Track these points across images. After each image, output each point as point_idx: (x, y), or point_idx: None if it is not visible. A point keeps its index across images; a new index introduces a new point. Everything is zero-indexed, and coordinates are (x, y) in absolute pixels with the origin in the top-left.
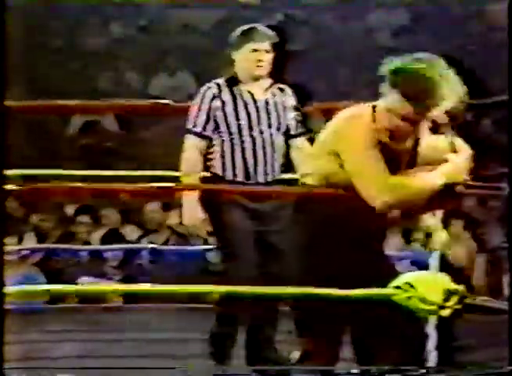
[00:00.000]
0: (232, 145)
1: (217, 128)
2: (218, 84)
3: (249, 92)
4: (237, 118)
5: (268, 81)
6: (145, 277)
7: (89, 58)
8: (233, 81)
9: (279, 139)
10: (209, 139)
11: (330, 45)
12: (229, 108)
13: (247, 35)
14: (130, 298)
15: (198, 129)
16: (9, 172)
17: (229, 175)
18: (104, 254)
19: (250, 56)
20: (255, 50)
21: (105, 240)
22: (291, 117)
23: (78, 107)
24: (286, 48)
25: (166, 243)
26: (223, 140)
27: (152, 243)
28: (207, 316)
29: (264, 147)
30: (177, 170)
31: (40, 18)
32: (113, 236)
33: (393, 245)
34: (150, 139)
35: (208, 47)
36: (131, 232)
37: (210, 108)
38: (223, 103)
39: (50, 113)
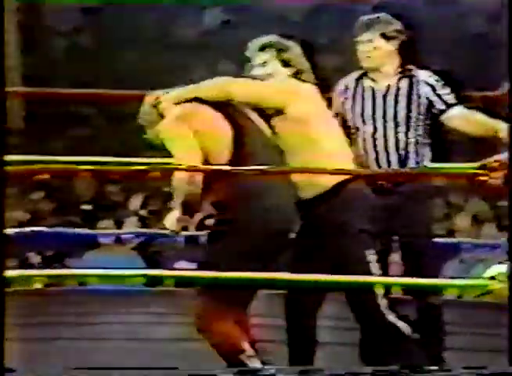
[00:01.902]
0: (361, 137)
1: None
2: (351, 76)
3: (372, 82)
4: (357, 109)
5: (391, 71)
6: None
7: (183, 49)
8: (363, 72)
9: (399, 130)
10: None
11: (422, 30)
12: (352, 99)
13: (359, 26)
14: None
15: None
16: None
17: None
18: (199, 240)
19: (360, 48)
20: (362, 41)
21: (201, 225)
22: (431, 94)
23: None
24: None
25: None
26: (349, 132)
27: None
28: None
29: (384, 138)
30: None
31: (135, 9)
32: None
33: (488, 234)
34: None
35: (299, 37)
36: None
37: (340, 99)
38: (350, 94)
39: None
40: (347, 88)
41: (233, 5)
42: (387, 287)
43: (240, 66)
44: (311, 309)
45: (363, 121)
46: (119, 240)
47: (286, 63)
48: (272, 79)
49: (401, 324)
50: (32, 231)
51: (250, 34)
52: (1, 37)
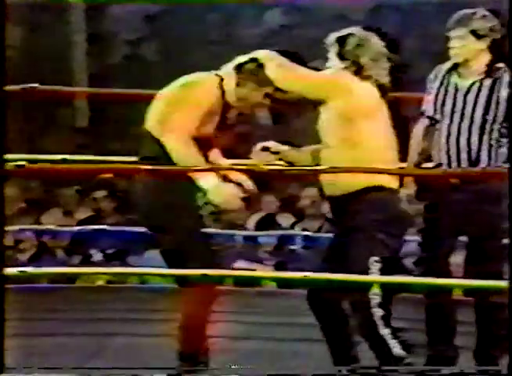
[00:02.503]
0: (438, 130)
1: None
2: (444, 66)
3: (458, 78)
4: (438, 102)
5: (479, 69)
6: (298, 263)
7: (245, 49)
8: (454, 65)
9: (473, 130)
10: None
11: None
12: (437, 90)
13: (452, 21)
14: (283, 282)
15: (425, 113)
16: None
17: (436, 160)
18: (259, 240)
19: (450, 43)
20: (453, 37)
21: (260, 225)
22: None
23: None
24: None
25: (319, 230)
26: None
27: (305, 230)
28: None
29: (457, 135)
30: None
31: (199, 10)
32: (268, 221)
33: None
34: (301, 129)
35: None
36: (285, 218)
37: (430, 92)
38: (436, 85)
39: None
40: (436, 77)
41: (294, 5)
42: (387, 297)
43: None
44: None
45: (442, 115)
46: None
47: (342, 57)
48: (323, 71)
49: (391, 342)
50: (94, 229)
51: (311, 33)
52: (2, 37)
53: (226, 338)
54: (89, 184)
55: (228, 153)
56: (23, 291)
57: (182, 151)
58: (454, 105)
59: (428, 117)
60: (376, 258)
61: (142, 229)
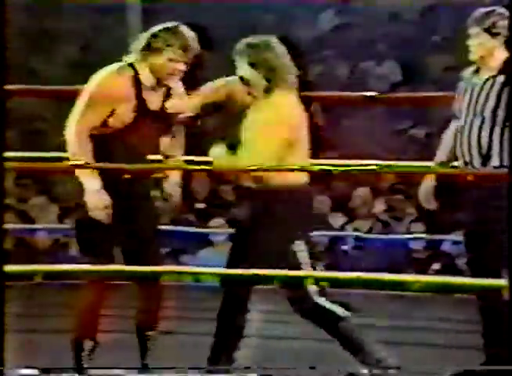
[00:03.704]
0: (456, 129)
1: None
2: (467, 71)
3: (475, 76)
4: (459, 101)
5: (494, 66)
6: (348, 263)
7: (299, 50)
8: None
9: (484, 128)
10: None
11: None
12: (462, 91)
13: (470, 19)
14: (333, 282)
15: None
16: None
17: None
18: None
19: (468, 42)
20: (470, 35)
21: None
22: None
23: None
24: None
25: (370, 230)
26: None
27: (356, 230)
28: (410, 303)
29: (469, 133)
30: (378, 160)
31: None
32: (320, 221)
33: None
34: (352, 128)
35: (414, 35)
36: (336, 219)
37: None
38: (461, 87)
39: None
40: (463, 78)
41: (347, 7)
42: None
43: (356, 66)
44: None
45: (460, 114)
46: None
47: (253, 65)
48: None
49: (330, 305)
50: None
51: (364, 34)
52: (2, 37)
53: (272, 338)
54: None
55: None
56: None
57: (72, 146)
58: (469, 102)
59: (456, 118)
60: (300, 242)
61: (196, 230)
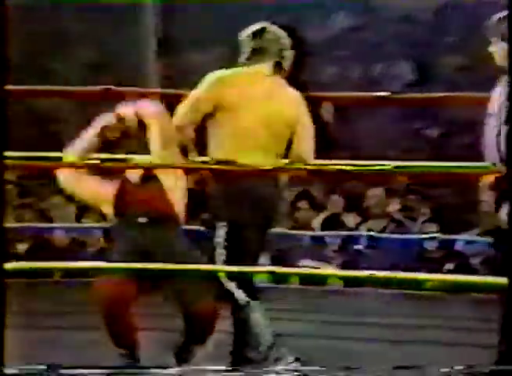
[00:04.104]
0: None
1: None
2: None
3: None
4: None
5: None
6: (363, 263)
7: (311, 50)
8: None
9: (502, 130)
10: None
11: None
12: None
13: (487, 26)
14: (350, 282)
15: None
16: None
17: None
18: (324, 239)
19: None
20: (490, 42)
21: (325, 225)
22: None
23: None
24: None
25: (384, 230)
26: None
27: (370, 230)
28: (423, 303)
29: (490, 135)
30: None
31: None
32: (333, 221)
33: None
34: (366, 128)
35: (427, 36)
36: (350, 218)
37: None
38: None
39: None
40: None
41: (359, 7)
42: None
43: (369, 67)
44: None
45: (493, 115)
46: None
47: (257, 51)
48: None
49: (236, 290)
50: None
51: (377, 35)
52: (3, 36)
53: (291, 336)
54: None
55: None
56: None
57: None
58: (495, 107)
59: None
60: (223, 223)
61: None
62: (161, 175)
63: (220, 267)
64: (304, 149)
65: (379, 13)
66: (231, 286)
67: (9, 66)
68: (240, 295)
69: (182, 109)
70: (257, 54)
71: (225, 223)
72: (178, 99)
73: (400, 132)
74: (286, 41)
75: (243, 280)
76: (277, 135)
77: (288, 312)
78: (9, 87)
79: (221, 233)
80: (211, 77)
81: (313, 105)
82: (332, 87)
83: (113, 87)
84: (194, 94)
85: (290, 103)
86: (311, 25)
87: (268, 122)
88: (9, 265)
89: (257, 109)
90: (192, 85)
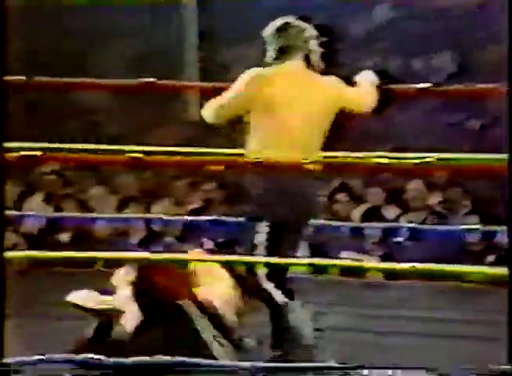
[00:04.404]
0: None
1: None
2: None
3: None
4: None
5: None
6: (403, 255)
7: (351, 43)
8: None
9: None
10: None
11: None
12: None
13: None
14: (390, 274)
15: None
16: None
17: None
18: (364, 231)
19: None
20: None
21: (365, 217)
22: None
23: None
24: None
25: (424, 222)
26: None
27: (410, 222)
28: (466, 295)
29: None
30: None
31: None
32: (373, 213)
33: None
34: (406, 120)
35: (470, 27)
36: (390, 211)
37: None
38: None
39: None
40: None
41: (401, 1)
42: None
43: (409, 59)
44: None
45: None
46: None
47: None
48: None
49: (275, 292)
50: (206, 219)
51: (419, 26)
52: (2, 30)
53: (331, 329)
54: (200, 176)
55: None
56: None
57: None
58: None
59: None
60: (266, 223)
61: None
62: None
63: (260, 258)
64: (362, 102)
65: (421, 5)
66: (270, 286)
67: (6, 60)
68: (279, 296)
69: (218, 100)
70: (284, 51)
71: (267, 223)
72: (217, 92)
73: (441, 124)
74: (312, 32)
75: (281, 281)
76: (316, 127)
77: (327, 306)
78: (52, 79)
79: (261, 234)
80: (249, 75)
81: None
82: None
83: (153, 80)
84: (231, 91)
85: (327, 90)
86: (353, 17)
87: (307, 117)
88: (52, 254)
89: (294, 105)
90: (232, 79)
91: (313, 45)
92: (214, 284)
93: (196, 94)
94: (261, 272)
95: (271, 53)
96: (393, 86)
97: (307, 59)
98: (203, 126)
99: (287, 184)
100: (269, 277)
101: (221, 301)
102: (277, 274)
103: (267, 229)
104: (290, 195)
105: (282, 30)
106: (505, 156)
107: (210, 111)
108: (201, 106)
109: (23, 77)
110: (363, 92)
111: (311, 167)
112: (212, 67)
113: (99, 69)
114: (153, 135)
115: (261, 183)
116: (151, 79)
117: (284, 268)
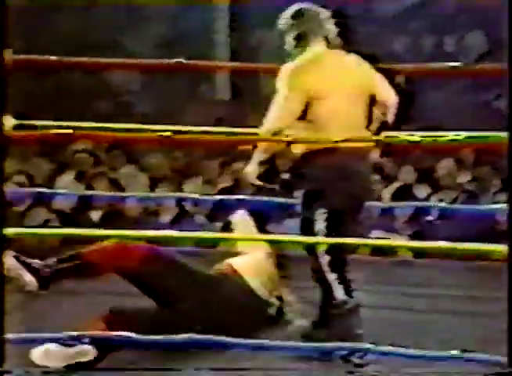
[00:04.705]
0: None
1: None
2: None
3: None
4: None
5: None
6: (434, 234)
7: (383, 23)
8: None
9: None
10: None
11: None
12: None
13: None
14: (419, 253)
15: None
16: None
17: None
18: (394, 210)
19: None
20: None
21: (395, 196)
22: None
23: None
24: None
25: (455, 201)
26: None
27: (441, 201)
28: (495, 274)
29: None
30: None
31: None
32: (404, 192)
33: None
34: (435, 100)
35: (500, 6)
36: (421, 189)
37: None
38: None
39: None
40: None
41: None
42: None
43: (440, 38)
44: None
45: None
46: None
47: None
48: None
49: (336, 286)
50: (236, 198)
51: (450, 6)
52: (2, 37)
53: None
54: (230, 155)
55: None
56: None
57: None
58: None
59: None
60: (324, 210)
61: (280, 200)
62: None
63: (317, 239)
64: (387, 93)
65: None
66: (332, 278)
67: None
68: (339, 291)
69: (272, 113)
70: (302, 38)
71: (325, 210)
72: (247, 73)
73: (471, 103)
74: (326, 14)
75: (343, 275)
76: (361, 107)
77: (357, 283)
78: (85, 60)
79: (321, 220)
80: (287, 73)
81: (386, 77)
82: (404, 58)
83: (184, 60)
84: (280, 96)
85: (358, 70)
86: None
87: (350, 98)
88: (82, 231)
89: (337, 89)
90: (263, 60)
91: (329, 26)
92: (248, 255)
93: (226, 74)
94: (324, 259)
95: (290, 41)
96: (425, 65)
97: (326, 40)
98: (233, 106)
99: (344, 168)
100: (331, 265)
101: (252, 271)
102: (338, 264)
103: (325, 216)
104: (347, 178)
105: (296, 17)
106: None
107: (269, 130)
108: (231, 85)
109: (56, 58)
110: (388, 86)
111: (368, 147)
112: (242, 49)
113: (131, 51)
114: (184, 114)
115: (319, 168)
116: (181, 59)
117: (344, 255)
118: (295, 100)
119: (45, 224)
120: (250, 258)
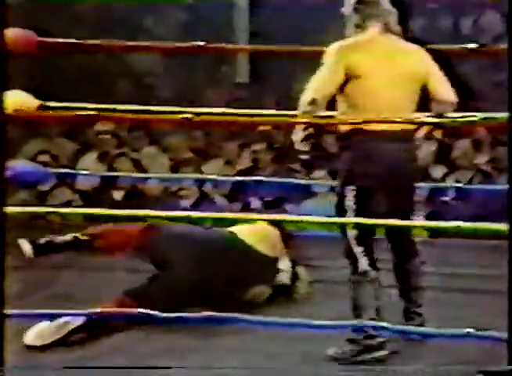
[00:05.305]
0: None
1: None
2: None
3: None
4: None
5: None
6: (449, 214)
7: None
8: None
9: None
10: None
11: None
12: None
13: None
14: (435, 232)
15: None
16: None
17: None
18: None
19: None
20: None
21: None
22: None
23: None
24: None
25: (471, 181)
26: None
27: (457, 181)
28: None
29: None
30: (478, 111)
31: None
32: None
33: None
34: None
35: None
36: (438, 170)
37: None
38: None
39: None
40: None
41: None
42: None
43: (457, 19)
44: None
45: None
46: (332, 190)
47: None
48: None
49: (361, 258)
50: (254, 180)
51: None
52: (2, 36)
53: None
54: (249, 136)
55: None
56: None
57: None
58: None
59: None
60: (353, 187)
61: (299, 181)
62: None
63: (346, 219)
64: (446, 92)
65: None
66: (358, 250)
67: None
68: (363, 263)
69: (313, 84)
70: (363, 22)
71: (354, 187)
72: (266, 55)
73: (487, 84)
74: (386, 1)
75: (370, 249)
76: (407, 92)
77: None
78: (106, 42)
79: (350, 197)
80: (334, 48)
81: None
82: (422, 39)
83: (204, 43)
84: (323, 68)
85: (413, 57)
86: None
87: (395, 82)
88: (106, 211)
89: (382, 71)
90: (282, 43)
91: (389, 11)
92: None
93: (245, 57)
94: (351, 234)
95: (351, 27)
96: (442, 46)
97: (386, 25)
98: (252, 88)
99: (373, 148)
100: (358, 239)
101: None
102: (364, 238)
103: (354, 193)
104: (373, 159)
105: (360, 2)
106: None
107: (308, 99)
108: (251, 68)
109: (79, 41)
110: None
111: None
112: (262, 32)
113: (155, 34)
114: (204, 97)
115: (352, 146)
116: (202, 43)
117: (372, 231)
118: (336, 72)
119: (68, 204)
120: (249, 225)
